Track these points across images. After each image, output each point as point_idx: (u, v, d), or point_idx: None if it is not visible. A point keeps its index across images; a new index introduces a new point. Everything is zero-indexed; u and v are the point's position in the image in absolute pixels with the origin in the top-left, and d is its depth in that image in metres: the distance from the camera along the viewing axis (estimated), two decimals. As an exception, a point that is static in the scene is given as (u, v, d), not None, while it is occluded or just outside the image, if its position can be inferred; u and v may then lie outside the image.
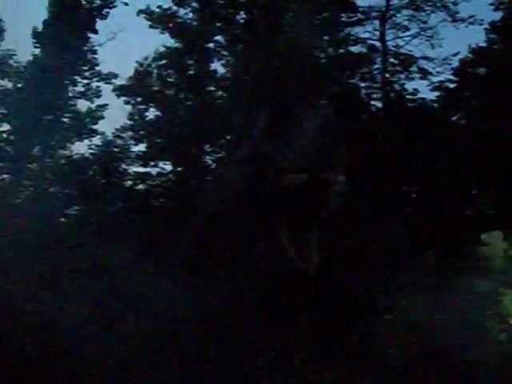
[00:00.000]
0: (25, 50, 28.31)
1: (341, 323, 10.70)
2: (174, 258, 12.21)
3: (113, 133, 25.39)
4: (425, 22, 25.03)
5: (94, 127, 25.25)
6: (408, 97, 24.79)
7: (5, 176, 23.54)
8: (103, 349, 9.05)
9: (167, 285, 10.80)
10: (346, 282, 11.61)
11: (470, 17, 24.73)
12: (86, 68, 25.33)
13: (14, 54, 24.40)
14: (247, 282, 11.09)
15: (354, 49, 24.96)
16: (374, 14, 24.88)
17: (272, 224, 11.48)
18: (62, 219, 19.96)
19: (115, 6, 24.76)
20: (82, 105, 25.25)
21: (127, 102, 25.70)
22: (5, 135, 23.85)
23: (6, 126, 23.95)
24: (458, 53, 24.69)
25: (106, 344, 9.12)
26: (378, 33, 24.91)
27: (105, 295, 10.18)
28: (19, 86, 23.96)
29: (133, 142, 25.38)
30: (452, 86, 24.60)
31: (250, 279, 11.06)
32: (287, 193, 11.62)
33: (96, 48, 25.06)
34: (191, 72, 25.28)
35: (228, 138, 24.60)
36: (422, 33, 25.03)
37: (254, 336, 9.67)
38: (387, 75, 24.97)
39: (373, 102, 25.27)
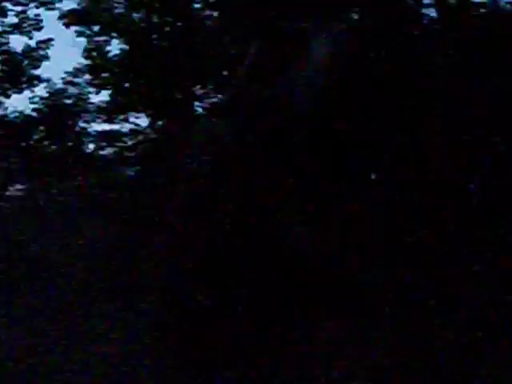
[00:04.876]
0: None
1: None
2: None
3: (62, 78, 22.70)
4: None
5: (36, 72, 22.50)
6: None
7: None
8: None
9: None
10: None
11: None
12: (16, -11, 22.42)
13: None
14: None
15: None
16: None
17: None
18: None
19: None
20: (17, 42, 22.45)
21: (80, 34, 22.87)
22: None
23: None
24: None
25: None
26: None
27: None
28: None
29: (92, 90, 23.00)
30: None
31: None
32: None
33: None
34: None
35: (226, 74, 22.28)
36: None
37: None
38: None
39: (424, 11, 20.81)
